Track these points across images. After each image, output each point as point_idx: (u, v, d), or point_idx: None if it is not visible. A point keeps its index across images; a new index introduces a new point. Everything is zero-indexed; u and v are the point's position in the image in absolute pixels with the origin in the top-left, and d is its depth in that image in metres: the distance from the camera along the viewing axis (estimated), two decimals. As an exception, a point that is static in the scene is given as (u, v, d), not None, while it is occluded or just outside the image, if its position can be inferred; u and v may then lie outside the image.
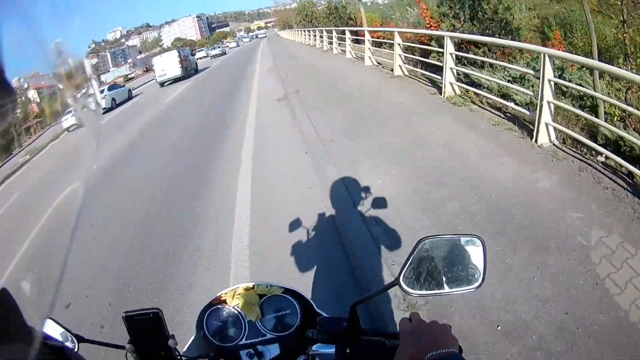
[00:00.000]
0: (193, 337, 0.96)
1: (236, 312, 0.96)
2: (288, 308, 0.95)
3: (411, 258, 0.67)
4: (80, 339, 0.82)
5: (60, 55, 0.33)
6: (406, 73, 7.21)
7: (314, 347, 0.80)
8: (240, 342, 0.96)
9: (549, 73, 3.37)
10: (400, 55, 7.21)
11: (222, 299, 0.97)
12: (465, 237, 0.68)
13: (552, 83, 3.43)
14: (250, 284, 0.96)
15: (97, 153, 0.39)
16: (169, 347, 0.78)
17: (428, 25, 7.71)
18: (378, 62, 8.94)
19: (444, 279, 0.68)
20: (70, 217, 0.34)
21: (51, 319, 0.78)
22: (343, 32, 12.56)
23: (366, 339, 0.74)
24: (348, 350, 0.73)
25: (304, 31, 22.91)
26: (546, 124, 3.47)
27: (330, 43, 13.93)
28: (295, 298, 0.95)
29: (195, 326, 0.96)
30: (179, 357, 0.82)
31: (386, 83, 7.05)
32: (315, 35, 18.06)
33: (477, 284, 0.67)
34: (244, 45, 57.35)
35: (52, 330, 0.79)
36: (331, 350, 0.77)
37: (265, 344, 0.95)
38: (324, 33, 15.29)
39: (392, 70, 7.44)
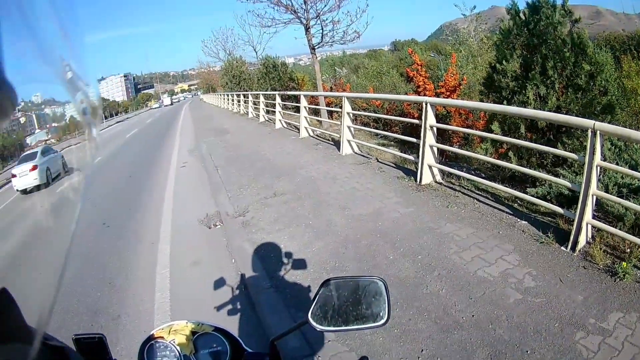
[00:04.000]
0: None
1: (172, 347, 1.00)
2: (219, 345, 1.00)
3: (317, 298, 0.77)
4: None
5: (74, 82, 0.33)
6: (357, 150, 6.62)
7: None
8: None
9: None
10: (349, 127, 6.61)
11: (159, 335, 1.01)
12: (368, 278, 0.79)
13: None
14: (184, 322, 1.01)
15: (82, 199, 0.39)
16: None
17: (419, 86, 6.55)
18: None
19: (351, 316, 0.78)
20: (69, 220, 0.34)
21: None
22: (289, 98, 10.55)
23: None
24: None
25: (230, 95, 19.70)
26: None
27: (269, 112, 11.92)
28: (224, 336, 1.00)
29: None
30: None
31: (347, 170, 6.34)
32: (246, 102, 15.24)
33: (382, 321, 0.78)
34: (162, 110, 53.42)
35: None
36: None
37: None
38: (261, 98, 12.73)
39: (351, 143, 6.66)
